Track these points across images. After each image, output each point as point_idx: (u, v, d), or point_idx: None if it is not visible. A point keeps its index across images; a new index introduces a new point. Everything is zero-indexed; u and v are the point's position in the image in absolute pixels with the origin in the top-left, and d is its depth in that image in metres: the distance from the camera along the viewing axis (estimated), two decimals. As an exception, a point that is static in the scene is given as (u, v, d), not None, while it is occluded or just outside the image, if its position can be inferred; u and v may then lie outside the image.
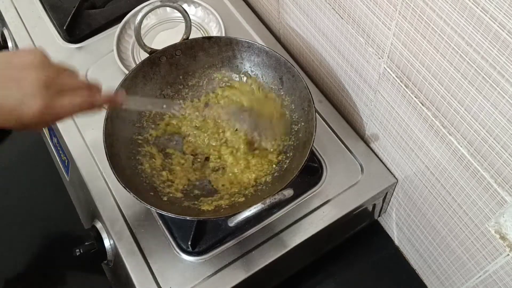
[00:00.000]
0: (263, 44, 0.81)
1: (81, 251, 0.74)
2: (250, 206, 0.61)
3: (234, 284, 0.71)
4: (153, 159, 0.77)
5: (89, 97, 0.59)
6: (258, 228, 0.74)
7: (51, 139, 0.96)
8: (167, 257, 0.73)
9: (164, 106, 0.80)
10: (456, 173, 0.62)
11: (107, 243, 0.76)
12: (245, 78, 0.82)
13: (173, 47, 0.80)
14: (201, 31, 0.96)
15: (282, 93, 0.80)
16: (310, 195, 0.77)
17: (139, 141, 0.77)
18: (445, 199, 0.67)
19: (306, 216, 0.75)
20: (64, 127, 0.86)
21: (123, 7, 0.99)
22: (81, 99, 0.58)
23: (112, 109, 0.70)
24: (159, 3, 0.77)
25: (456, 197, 0.64)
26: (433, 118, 0.61)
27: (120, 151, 0.73)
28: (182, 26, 0.85)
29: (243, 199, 0.72)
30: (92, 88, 0.60)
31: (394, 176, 0.78)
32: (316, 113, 0.73)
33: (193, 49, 0.81)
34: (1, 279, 0.91)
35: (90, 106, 0.59)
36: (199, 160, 0.79)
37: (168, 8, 0.98)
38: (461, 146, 0.59)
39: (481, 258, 0.65)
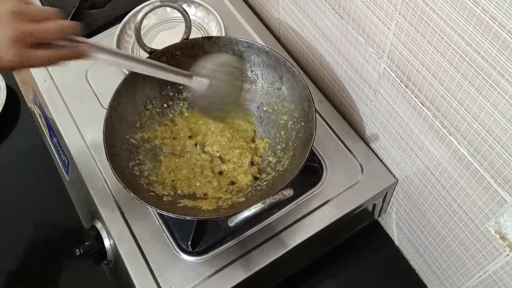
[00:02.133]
0: (263, 44, 0.81)
1: (81, 251, 0.74)
2: (250, 206, 0.61)
3: (234, 284, 0.71)
4: (153, 159, 0.77)
5: (60, 51, 0.58)
6: (258, 228, 0.74)
7: (51, 139, 0.96)
8: (167, 257, 0.73)
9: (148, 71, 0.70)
10: (456, 173, 0.62)
11: (107, 243, 0.76)
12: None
13: (173, 47, 0.80)
14: (201, 31, 0.96)
15: (282, 93, 0.80)
16: (310, 195, 0.77)
17: (139, 141, 0.77)
18: (445, 199, 0.67)
19: (306, 216, 0.75)
20: (64, 127, 0.86)
21: (123, 7, 0.99)
22: (52, 53, 0.57)
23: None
24: (159, 3, 0.77)
25: (456, 197, 0.64)
26: (433, 118, 0.61)
27: (120, 151, 0.73)
28: (182, 26, 0.85)
29: (243, 199, 0.72)
30: (66, 34, 0.59)
31: (394, 176, 0.78)
32: (316, 113, 0.73)
33: (193, 49, 0.81)
34: (1, 278, 0.91)
35: (63, 59, 0.58)
36: (199, 160, 0.79)
37: (168, 8, 0.98)
38: (461, 146, 0.59)
39: (481, 258, 0.65)
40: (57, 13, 0.59)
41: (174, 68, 0.72)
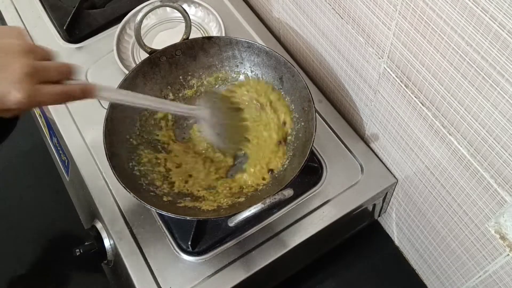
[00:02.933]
0: (263, 44, 0.81)
1: (81, 251, 0.74)
2: (250, 206, 0.61)
3: (234, 284, 0.71)
4: (153, 159, 0.77)
5: (68, 88, 0.58)
6: (258, 228, 0.74)
7: (51, 139, 0.96)
8: (167, 257, 0.73)
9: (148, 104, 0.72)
10: (456, 173, 0.62)
11: (107, 243, 0.76)
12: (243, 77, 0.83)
13: (173, 47, 0.80)
14: (201, 31, 0.96)
15: (282, 93, 0.80)
16: (310, 195, 0.77)
17: (139, 141, 0.77)
18: (445, 199, 0.67)
19: (306, 216, 0.75)
20: (64, 127, 0.87)
21: (123, 7, 0.99)
22: (61, 89, 0.57)
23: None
24: (159, 3, 0.77)
25: (456, 197, 0.64)
26: (433, 118, 0.61)
27: (120, 151, 0.73)
28: (182, 26, 0.85)
29: (243, 199, 0.72)
30: (70, 76, 0.59)
31: (394, 176, 0.78)
32: (316, 113, 0.73)
33: (193, 49, 0.81)
34: (1, 279, 0.91)
35: (70, 97, 0.59)
36: (200, 161, 0.79)
37: (168, 8, 0.98)
38: (461, 146, 0.59)
39: (481, 258, 0.65)
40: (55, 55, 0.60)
41: (175, 103, 0.75)
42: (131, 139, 0.76)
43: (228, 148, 0.77)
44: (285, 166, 0.75)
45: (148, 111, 0.80)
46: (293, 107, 0.78)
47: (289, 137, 0.77)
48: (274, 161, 0.76)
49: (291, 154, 0.75)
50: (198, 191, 0.75)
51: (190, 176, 0.76)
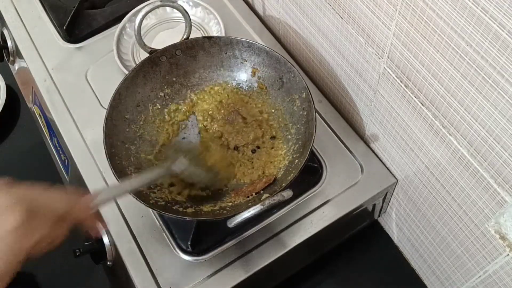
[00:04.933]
0: (263, 44, 0.81)
1: (81, 251, 0.74)
2: (250, 207, 0.61)
3: (234, 284, 0.71)
4: (153, 162, 0.77)
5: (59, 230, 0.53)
6: (258, 228, 0.74)
7: (51, 139, 0.96)
8: (167, 257, 0.73)
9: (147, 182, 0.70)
10: (456, 173, 0.62)
11: (107, 243, 0.76)
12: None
13: (173, 46, 0.80)
14: (201, 31, 0.96)
15: (281, 93, 0.80)
16: (310, 195, 0.77)
17: (140, 141, 0.77)
18: (445, 199, 0.67)
19: (306, 216, 0.75)
20: (64, 127, 0.86)
21: (123, 7, 0.99)
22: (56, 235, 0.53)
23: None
24: (159, 3, 0.77)
25: (456, 197, 0.64)
26: (433, 118, 0.61)
27: (120, 151, 0.73)
28: (182, 26, 0.85)
29: (243, 200, 0.72)
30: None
31: (394, 176, 0.78)
32: (316, 113, 0.73)
33: (193, 49, 0.81)
34: (1, 279, 0.91)
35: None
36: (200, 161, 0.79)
37: (168, 8, 0.98)
38: (461, 146, 0.59)
39: (481, 258, 0.65)
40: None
41: (155, 171, 0.72)
42: (131, 139, 0.76)
43: (221, 181, 0.76)
44: (285, 166, 0.74)
45: (148, 112, 0.80)
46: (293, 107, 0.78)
47: (289, 136, 0.77)
48: (273, 161, 0.76)
49: (291, 154, 0.75)
50: (198, 191, 0.75)
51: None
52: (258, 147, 0.78)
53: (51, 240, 0.50)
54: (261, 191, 0.71)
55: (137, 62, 0.85)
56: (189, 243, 0.73)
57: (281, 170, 0.74)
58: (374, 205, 0.82)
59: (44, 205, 0.50)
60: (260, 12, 0.99)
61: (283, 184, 0.67)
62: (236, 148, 0.78)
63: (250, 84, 0.83)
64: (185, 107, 0.83)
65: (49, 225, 0.50)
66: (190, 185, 0.74)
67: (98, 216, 0.78)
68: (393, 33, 0.60)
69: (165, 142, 0.80)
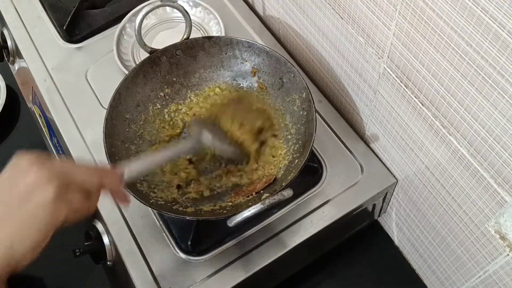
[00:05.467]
0: (263, 44, 0.81)
1: (81, 251, 0.74)
2: (250, 206, 0.61)
3: (234, 284, 0.71)
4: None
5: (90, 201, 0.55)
6: (258, 228, 0.74)
7: (51, 139, 0.96)
8: (167, 257, 0.73)
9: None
10: (456, 173, 0.62)
11: (107, 243, 0.76)
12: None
13: (174, 46, 0.80)
14: (201, 31, 0.96)
15: (281, 93, 0.80)
16: (310, 195, 0.77)
17: (139, 141, 0.77)
18: (445, 199, 0.67)
19: (306, 216, 0.75)
20: (64, 127, 0.86)
21: (123, 7, 0.99)
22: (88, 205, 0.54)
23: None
24: (159, 3, 0.77)
25: (456, 197, 0.64)
26: (433, 118, 0.61)
27: (120, 151, 0.73)
28: (182, 26, 0.85)
29: (243, 199, 0.72)
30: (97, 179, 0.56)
31: (394, 176, 0.78)
32: (316, 113, 0.73)
33: (193, 49, 0.81)
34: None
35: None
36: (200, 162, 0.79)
37: (168, 8, 0.98)
38: (461, 146, 0.59)
39: (481, 258, 0.65)
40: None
41: (183, 144, 0.77)
42: (131, 139, 0.76)
43: (236, 152, 0.76)
44: (285, 166, 0.74)
45: (148, 112, 0.80)
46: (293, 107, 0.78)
47: (289, 136, 0.77)
48: (273, 160, 0.76)
49: (291, 154, 0.75)
50: (198, 191, 0.75)
51: (190, 176, 0.76)
52: (263, 143, 0.78)
53: (83, 211, 0.53)
54: (261, 191, 0.71)
55: (137, 62, 0.85)
56: (189, 243, 0.73)
57: (281, 170, 0.74)
58: (374, 205, 0.82)
59: (76, 179, 0.52)
60: (260, 12, 0.99)
61: (283, 184, 0.67)
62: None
63: (250, 84, 0.83)
64: (185, 107, 0.83)
65: (81, 198, 0.52)
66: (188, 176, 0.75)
67: (99, 216, 0.78)
68: (393, 33, 0.60)
69: (165, 142, 0.80)
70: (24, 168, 0.51)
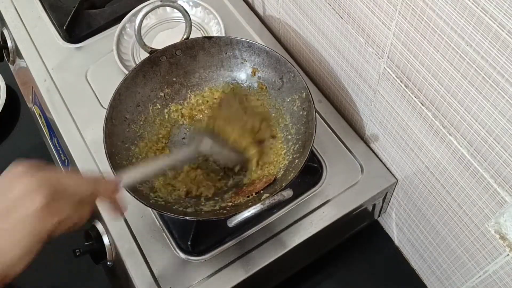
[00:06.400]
0: (263, 44, 0.81)
1: (81, 251, 0.74)
2: (250, 206, 0.61)
3: (234, 284, 0.71)
4: (153, 160, 0.77)
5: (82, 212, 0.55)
6: (258, 228, 0.74)
7: (51, 139, 0.96)
8: (167, 257, 0.73)
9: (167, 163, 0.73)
10: (456, 173, 0.62)
11: (107, 243, 0.76)
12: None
13: (174, 46, 0.80)
14: (201, 31, 0.96)
15: (281, 93, 0.80)
16: (310, 195, 0.77)
17: (139, 142, 0.77)
18: (445, 199, 0.67)
19: (306, 216, 0.75)
20: (64, 127, 0.86)
21: (123, 7, 0.99)
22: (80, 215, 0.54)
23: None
24: (159, 3, 0.77)
25: (456, 197, 0.64)
26: (433, 118, 0.61)
27: (120, 151, 0.73)
28: (182, 26, 0.85)
29: (243, 199, 0.72)
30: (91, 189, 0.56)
31: (394, 176, 0.78)
32: (316, 113, 0.73)
33: (193, 49, 0.81)
34: (1, 279, 0.91)
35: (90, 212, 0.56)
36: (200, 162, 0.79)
37: (168, 8, 0.98)
38: (461, 146, 0.59)
39: (481, 258, 0.65)
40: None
41: (182, 152, 0.77)
42: (131, 139, 0.76)
43: (237, 158, 0.76)
44: (285, 166, 0.74)
45: (148, 112, 0.80)
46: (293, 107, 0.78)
47: (289, 136, 0.77)
48: (273, 159, 0.76)
49: (291, 154, 0.75)
50: (198, 191, 0.75)
51: (190, 175, 0.76)
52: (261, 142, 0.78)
53: (75, 221, 0.52)
54: (261, 191, 0.71)
55: (137, 62, 0.85)
56: (189, 243, 0.73)
57: (281, 170, 0.74)
58: (374, 205, 0.82)
59: (68, 188, 0.52)
60: (260, 12, 0.99)
61: (283, 184, 0.67)
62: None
63: (250, 84, 0.83)
64: (185, 107, 0.83)
65: (72, 207, 0.51)
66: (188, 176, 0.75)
67: (98, 217, 0.78)
68: (393, 33, 0.60)
69: (165, 139, 0.80)
70: (17, 176, 0.50)
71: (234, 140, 0.75)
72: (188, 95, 0.83)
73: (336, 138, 0.82)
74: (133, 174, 0.64)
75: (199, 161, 0.77)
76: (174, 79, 0.82)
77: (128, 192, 0.66)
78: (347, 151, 0.81)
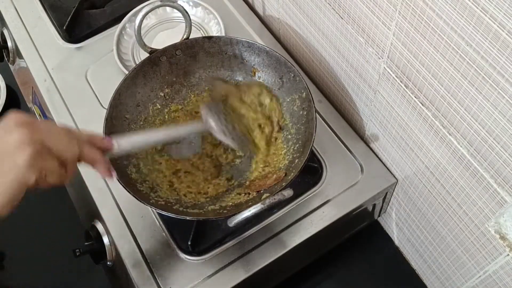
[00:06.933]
0: (263, 44, 0.81)
1: (81, 251, 0.74)
2: (250, 206, 0.61)
3: (234, 284, 0.71)
4: (154, 160, 0.77)
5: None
6: (258, 228, 0.74)
7: (51, 139, 0.95)
8: (167, 257, 0.73)
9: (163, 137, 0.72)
10: (456, 173, 0.62)
11: (107, 243, 0.76)
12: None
13: (174, 46, 0.80)
14: (201, 31, 0.96)
15: (282, 93, 0.80)
16: (310, 195, 0.77)
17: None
18: (445, 199, 0.67)
19: (306, 216, 0.75)
20: (64, 127, 0.86)
21: (123, 7, 0.99)
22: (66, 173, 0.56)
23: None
24: (159, 3, 0.77)
25: (456, 197, 0.64)
26: (433, 118, 0.61)
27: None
28: (182, 26, 0.85)
29: (243, 199, 0.72)
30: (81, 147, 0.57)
31: (394, 176, 0.78)
32: (316, 113, 0.73)
33: (193, 49, 0.81)
34: (1, 278, 0.91)
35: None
36: (200, 163, 0.79)
37: (168, 8, 0.98)
38: (461, 146, 0.59)
39: (481, 258, 0.65)
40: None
41: (184, 125, 0.77)
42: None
43: (244, 146, 0.76)
44: (285, 166, 0.74)
45: (148, 112, 0.80)
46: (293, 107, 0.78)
47: (289, 136, 0.77)
48: (274, 159, 0.76)
49: (291, 154, 0.75)
50: (198, 191, 0.75)
51: (190, 175, 0.76)
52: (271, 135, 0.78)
53: (55, 178, 0.54)
54: (261, 191, 0.71)
55: (137, 62, 0.85)
56: (189, 243, 0.73)
57: (281, 169, 0.74)
58: (374, 205, 0.82)
59: (54, 147, 0.53)
60: (260, 12, 0.99)
61: (283, 184, 0.67)
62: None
63: (250, 84, 0.83)
64: (185, 107, 0.83)
65: (55, 165, 0.53)
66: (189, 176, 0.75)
67: (99, 216, 0.78)
68: (393, 33, 0.60)
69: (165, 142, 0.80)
70: (9, 128, 0.52)
71: (248, 119, 0.75)
72: (188, 95, 0.83)
73: (336, 138, 0.82)
74: (127, 141, 0.64)
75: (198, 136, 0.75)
76: (174, 79, 0.82)
77: (129, 192, 0.66)
78: (347, 151, 0.81)
